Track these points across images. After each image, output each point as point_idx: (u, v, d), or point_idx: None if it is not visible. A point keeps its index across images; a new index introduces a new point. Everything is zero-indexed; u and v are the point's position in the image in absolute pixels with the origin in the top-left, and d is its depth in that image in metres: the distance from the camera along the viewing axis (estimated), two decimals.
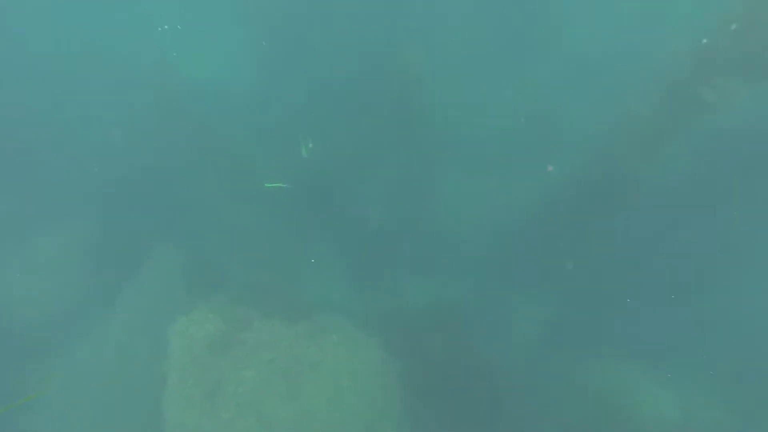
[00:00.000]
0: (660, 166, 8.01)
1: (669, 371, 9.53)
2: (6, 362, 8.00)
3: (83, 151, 11.74)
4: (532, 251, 10.99)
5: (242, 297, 8.37)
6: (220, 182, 11.41)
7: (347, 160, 12.16)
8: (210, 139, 11.96)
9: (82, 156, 11.48)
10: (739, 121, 7.09)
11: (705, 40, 6.32)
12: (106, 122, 12.10)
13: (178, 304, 8.17)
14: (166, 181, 11.15)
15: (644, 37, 8.87)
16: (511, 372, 9.54)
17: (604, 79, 10.84)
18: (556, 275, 10.94)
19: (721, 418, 9.06)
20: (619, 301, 10.13)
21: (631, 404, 9.14)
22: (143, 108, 12.07)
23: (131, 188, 10.81)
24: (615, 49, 10.79)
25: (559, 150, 11.34)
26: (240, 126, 12.59)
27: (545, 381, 9.46)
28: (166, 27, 13.14)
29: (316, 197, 11.26)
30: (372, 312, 9.87)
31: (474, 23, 12.52)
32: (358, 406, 7.91)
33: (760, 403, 8.82)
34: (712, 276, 9.29)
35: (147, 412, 6.91)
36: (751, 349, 9.41)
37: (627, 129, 7.99)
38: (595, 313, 10.16)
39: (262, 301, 8.41)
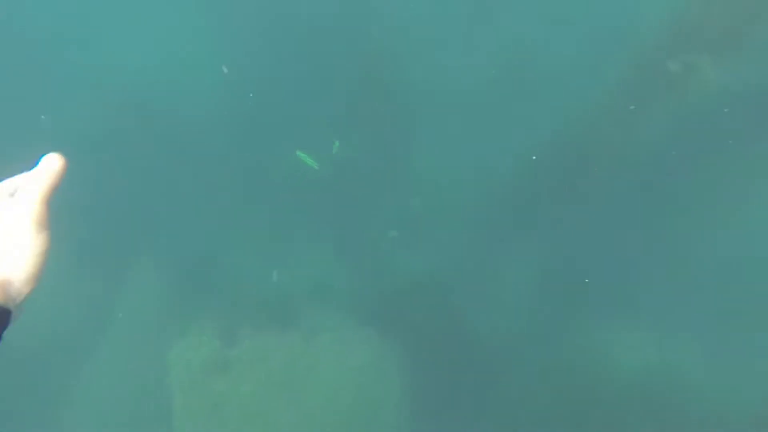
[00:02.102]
0: (638, 138, 7.93)
1: (650, 320, 9.97)
2: (8, 402, 8.20)
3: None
4: (513, 214, 11.08)
5: (232, 311, 8.52)
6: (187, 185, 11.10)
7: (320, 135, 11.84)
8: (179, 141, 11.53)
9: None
10: (710, 96, 6.91)
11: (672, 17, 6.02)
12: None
13: (172, 329, 8.33)
14: (142, 194, 10.86)
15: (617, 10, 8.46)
16: (504, 343, 9.93)
17: (581, 42, 10.38)
18: (539, 237, 11.10)
19: (703, 363, 9.59)
20: (600, 260, 10.35)
21: (618, 360, 9.63)
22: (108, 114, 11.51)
23: (108, 203, 10.53)
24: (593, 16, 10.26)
25: (538, 113, 11.05)
26: (211, 122, 12.09)
27: (536, 348, 9.88)
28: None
29: (293, 185, 11.11)
30: (361, 301, 10.05)
31: None
32: (358, 399, 8.31)
33: (741, 346, 9.27)
34: (689, 231, 9.47)
35: None
36: (732, 294, 9.75)
37: (602, 100, 7.85)
38: (579, 272, 10.41)
39: (251, 312, 8.56)
